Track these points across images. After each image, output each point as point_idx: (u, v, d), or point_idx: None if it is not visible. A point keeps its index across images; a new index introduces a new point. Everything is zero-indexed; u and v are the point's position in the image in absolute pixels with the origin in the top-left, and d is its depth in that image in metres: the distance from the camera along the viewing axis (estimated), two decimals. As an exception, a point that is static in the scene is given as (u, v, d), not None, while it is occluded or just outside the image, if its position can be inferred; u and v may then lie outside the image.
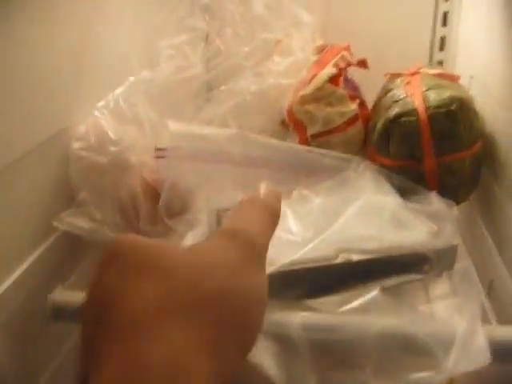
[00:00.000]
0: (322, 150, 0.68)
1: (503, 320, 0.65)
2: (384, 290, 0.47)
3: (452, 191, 0.70)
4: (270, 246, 0.36)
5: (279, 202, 0.37)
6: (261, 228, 0.34)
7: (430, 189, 0.69)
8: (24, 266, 0.55)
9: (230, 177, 0.61)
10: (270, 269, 0.43)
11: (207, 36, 0.72)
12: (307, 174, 0.65)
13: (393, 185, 0.65)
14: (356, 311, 0.45)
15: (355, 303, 0.45)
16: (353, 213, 0.55)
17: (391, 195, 0.60)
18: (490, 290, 0.71)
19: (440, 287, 0.51)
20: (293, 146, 0.71)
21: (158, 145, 0.59)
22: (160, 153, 0.58)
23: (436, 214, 0.58)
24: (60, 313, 0.56)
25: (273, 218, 0.36)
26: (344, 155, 0.68)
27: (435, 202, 0.62)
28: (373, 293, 0.46)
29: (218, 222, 0.59)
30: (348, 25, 0.99)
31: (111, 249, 0.30)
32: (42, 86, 0.57)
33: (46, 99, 0.57)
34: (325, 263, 0.48)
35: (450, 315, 0.46)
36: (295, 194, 0.64)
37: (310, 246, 0.48)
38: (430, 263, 0.50)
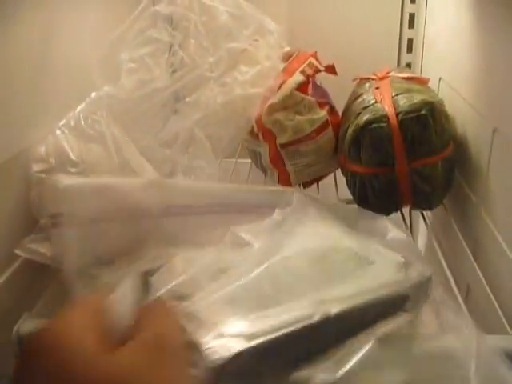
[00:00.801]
0: (252, 186, 0.62)
1: (479, 323, 0.65)
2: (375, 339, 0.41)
3: (425, 196, 0.70)
4: (237, 316, 0.40)
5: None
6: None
7: (403, 195, 0.68)
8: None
9: (149, 232, 0.52)
10: (250, 343, 0.39)
11: (170, 47, 0.70)
12: (237, 213, 0.57)
13: (336, 214, 0.59)
14: (356, 370, 0.39)
15: (352, 361, 0.39)
16: (310, 260, 0.48)
17: (343, 232, 0.54)
18: (468, 294, 0.71)
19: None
20: (216, 185, 0.63)
21: (50, 210, 0.50)
22: (54, 220, 0.48)
23: (397, 243, 0.54)
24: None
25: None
26: (275, 188, 0.62)
27: (391, 229, 0.57)
28: (367, 346, 0.40)
29: (144, 286, 0.46)
30: (314, 30, 0.98)
31: (35, 343, 0.32)
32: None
33: (1, 119, 0.55)
34: (304, 324, 0.41)
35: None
36: (229, 237, 0.55)
37: (281, 308, 0.42)
38: (410, 300, 0.45)
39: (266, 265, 0.47)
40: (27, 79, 0.60)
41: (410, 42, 1.05)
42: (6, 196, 0.56)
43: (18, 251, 0.55)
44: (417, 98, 0.69)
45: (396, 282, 0.46)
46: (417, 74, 0.89)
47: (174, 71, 0.70)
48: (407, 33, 1.04)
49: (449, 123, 0.71)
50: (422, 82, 0.78)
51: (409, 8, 1.02)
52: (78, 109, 0.63)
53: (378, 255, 0.50)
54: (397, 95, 0.71)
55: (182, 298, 0.44)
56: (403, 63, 1.06)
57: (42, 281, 0.59)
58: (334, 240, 0.53)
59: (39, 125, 0.61)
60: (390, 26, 1.03)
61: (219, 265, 0.49)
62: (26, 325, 0.53)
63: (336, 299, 0.43)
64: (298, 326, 0.40)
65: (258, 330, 0.40)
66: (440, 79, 0.86)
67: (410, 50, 1.05)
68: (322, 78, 0.84)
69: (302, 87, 0.76)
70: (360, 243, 0.52)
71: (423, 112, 0.67)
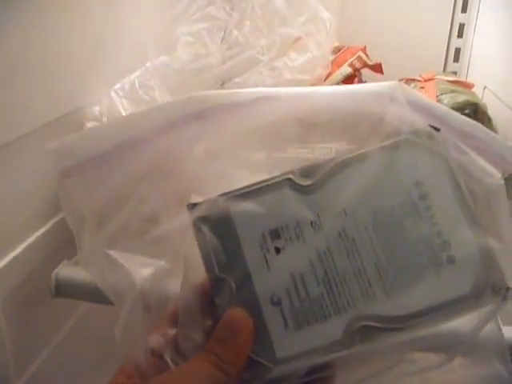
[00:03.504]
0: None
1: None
2: None
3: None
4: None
5: None
6: None
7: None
8: (30, 241, 0.55)
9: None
10: None
11: (226, 26, 0.73)
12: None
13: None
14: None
15: None
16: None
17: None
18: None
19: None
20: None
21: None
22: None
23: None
24: (63, 289, 0.56)
25: None
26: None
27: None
28: None
29: None
30: (363, 30, 0.99)
31: None
32: (59, 65, 0.57)
33: (62, 78, 0.58)
34: None
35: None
36: None
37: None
38: None
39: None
40: (89, 46, 0.62)
41: (458, 51, 1.05)
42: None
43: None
44: (461, 98, 0.70)
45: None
46: (462, 79, 0.90)
47: (227, 49, 0.72)
48: (455, 42, 1.05)
49: (491, 126, 0.72)
50: (467, 86, 0.79)
51: (459, 18, 1.03)
52: (134, 75, 0.66)
53: None
54: (441, 95, 0.72)
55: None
56: (449, 72, 1.06)
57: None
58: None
59: (95, 87, 0.64)
60: (439, 34, 1.04)
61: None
62: (64, 270, 0.56)
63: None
64: None
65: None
66: (485, 88, 0.87)
67: (456, 59, 1.06)
68: (367, 76, 0.85)
69: (348, 80, 0.78)
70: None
71: (467, 111, 0.68)
